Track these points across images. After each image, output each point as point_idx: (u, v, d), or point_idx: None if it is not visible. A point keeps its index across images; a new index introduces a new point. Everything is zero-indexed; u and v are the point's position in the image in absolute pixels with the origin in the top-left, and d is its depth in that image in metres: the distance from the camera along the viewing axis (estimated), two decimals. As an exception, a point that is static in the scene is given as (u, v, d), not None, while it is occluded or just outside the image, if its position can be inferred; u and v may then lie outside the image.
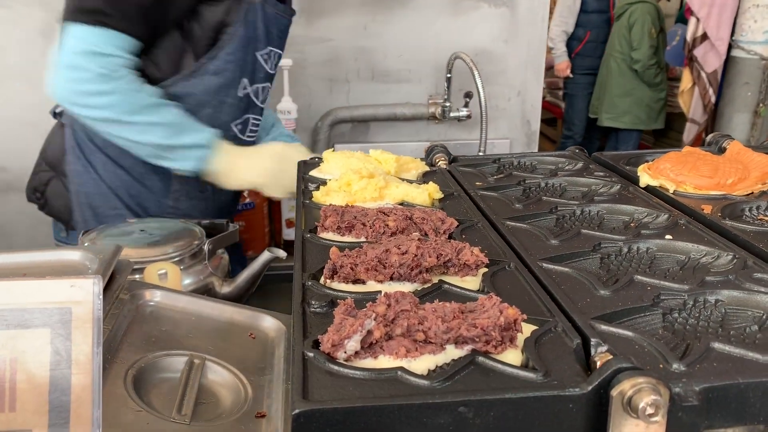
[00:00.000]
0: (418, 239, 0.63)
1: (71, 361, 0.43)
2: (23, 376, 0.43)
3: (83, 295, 0.44)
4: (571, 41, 4.40)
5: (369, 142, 2.16)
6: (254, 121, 1.26)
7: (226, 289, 1.13)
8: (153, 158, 1.14)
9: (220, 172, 1.14)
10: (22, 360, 0.43)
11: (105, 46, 1.01)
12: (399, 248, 0.60)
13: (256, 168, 1.12)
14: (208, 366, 0.81)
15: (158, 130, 1.09)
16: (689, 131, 3.53)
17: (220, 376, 0.80)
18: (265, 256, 1.10)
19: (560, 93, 5.06)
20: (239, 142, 1.21)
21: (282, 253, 1.10)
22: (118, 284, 0.87)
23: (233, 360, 0.83)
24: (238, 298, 1.12)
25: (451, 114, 2.07)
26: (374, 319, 0.48)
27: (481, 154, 1.98)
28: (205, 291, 1.08)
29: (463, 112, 2.07)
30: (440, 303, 0.51)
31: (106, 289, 0.84)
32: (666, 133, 4.72)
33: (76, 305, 0.44)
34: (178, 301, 0.90)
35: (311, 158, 1.01)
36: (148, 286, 0.90)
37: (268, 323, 0.91)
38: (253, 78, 1.20)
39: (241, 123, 1.24)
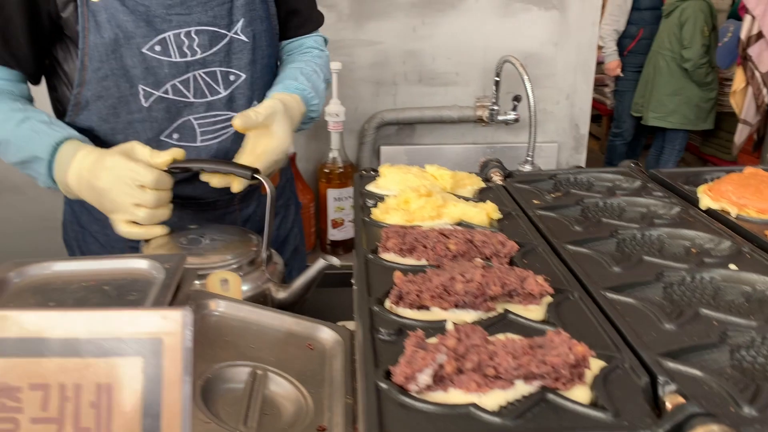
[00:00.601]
0: (483, 266, 0.64)
1: (162, 389, 0.46)
2: (118, 401, 0.46)
3: (173, 326, 0.46)
4: (623, 39, 4.32)
5: (414, 144, 2.17)
6: (204, 120, 1.12)
7: (281, 295, 1.15)
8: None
9: (70, 184, 1.00)
10: (117, 386, 0.46)
11: None
12: (464, 276, 0.61)
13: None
14: (270, 377, 0.83)
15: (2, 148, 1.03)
16: (741, 132, 3.45)
17: (281, 387, 0.83)
18: (320, 264, 1.12)
19: (606, 90, 4.98)
20: (206, 149, 1.13)
21: (336, 261, 1.12)
22: (184, 294, 0.91)
23: (293, 371, 0.85)
24: (292, 304, 1.14)
25: (499, 117, 2.06)
26: (445, 353, 0.50)
27: (529, 157, 1.97)
28: (262, 297, 1.11)
29: (511, 116, 2.06)
30: (510, 338, 0.52)
31: (174, 299, 0.87)
32: (715, 133, 4.61)
33: (167, 336, 0.46)
34: (239, 311, 0.93)
35: (367, 171, 1.03)
36: (211, 296, 0.94)
37: (326, 334, 0.94)
38: (155, 78, 1.04)
39: (175, 131, 1.10)
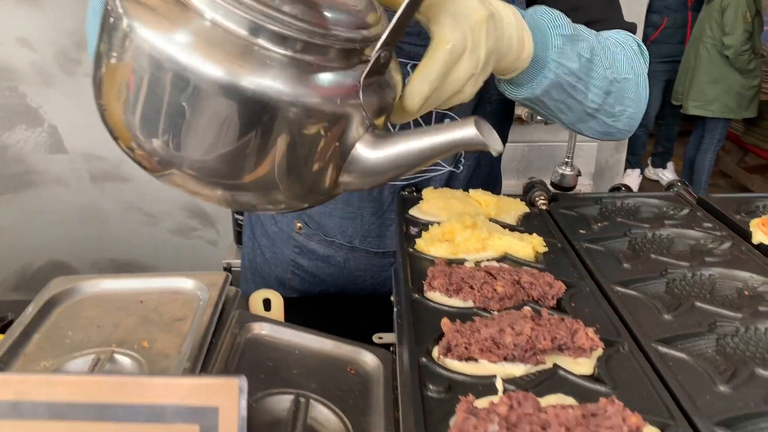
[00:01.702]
0: (532, 317, 0.63)
1: (218, 456, 0.47)
2: (176, 466, 0.47)
3: (229, 395, 0.47)
4: (647, 28, 4.20)
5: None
6: None
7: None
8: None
9: None
10: (175, 452, 0.47)
11: None
12: (513, 329, 0.61)
13: None
14: (312, 405, 0.84)
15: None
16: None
17: (324, 416, 0.84)
18: None
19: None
20: None
21: None
22: (229, 316, 0.92)
23: (336, 398, 0.86)
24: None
25: (538, 116, 2.03)
26: (497, 423, 0.49)
27: (567, 159, 1.94)
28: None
29: (550, 115, 2.03)
30: (562, 406, 0.52)
31: (219, 322, 0.89)
32: (757, 122, 4.49)
33: (223, 404, 0.47)
34: (282, 334, 0.94)
35: (410, 192, 1.02)
36: (255, 318, 0.95)
37: (367, 358, 0.94)
38: None
39: None
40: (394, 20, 0.56)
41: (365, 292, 1.21)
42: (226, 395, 0.47)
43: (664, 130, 4.85)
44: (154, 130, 0.54)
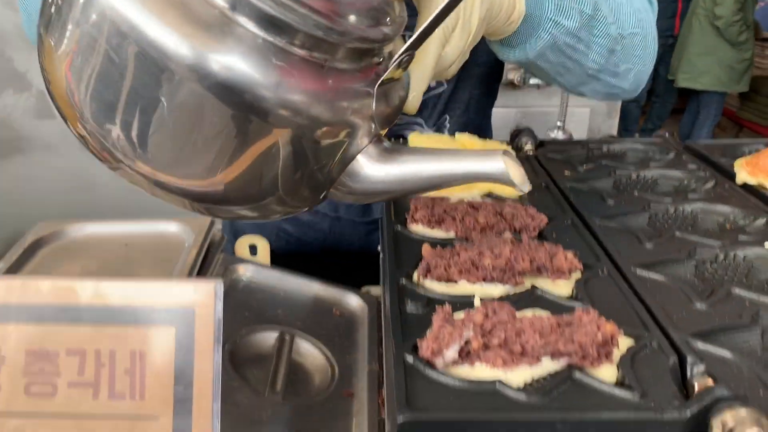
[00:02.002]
0: (512, 241, 0.63)
1: (194, 358, 0.47)
2: (151, 368, 0.47)
3: (205, 297, 0.47)
4: None
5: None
6: None
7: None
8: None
9: None
10: (150, 354, 0.47)
11: None
12: (492, 251, 0.61)
13: None
14: (297, 342, 0.85)
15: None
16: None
17: (309, 352, 0.84)
18: None
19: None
20: None
21: None
22: (214, 259, 0.92)
23: (321, 336, 0.86)
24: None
25: (531, 80, 2.02)
26: (472, 329, 0.50)
27: (560, 123, 1.94)
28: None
29: (543, 80, 2.02)
30: (537, 316, 0.52)
31: (204, 264, 0.89)
32: (753, 97, 4.48)
33: (199, 307, 0.47)
34: (268, 276, 0.94)
35: (396, 139, 1.02)
36: (240, 261, 0.95)
37: (353, 301, 0.95)
38: None
39: None
40: (426, 22, 0.47)
41: (353, 252, 1.19)
42: (203, 298, 0.47)
43: (657, 108, 4.84)
44: (108, 114, 0.45)
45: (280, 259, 1.01)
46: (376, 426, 0.73)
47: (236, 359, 0.79)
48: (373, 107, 0.48)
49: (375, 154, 0.51)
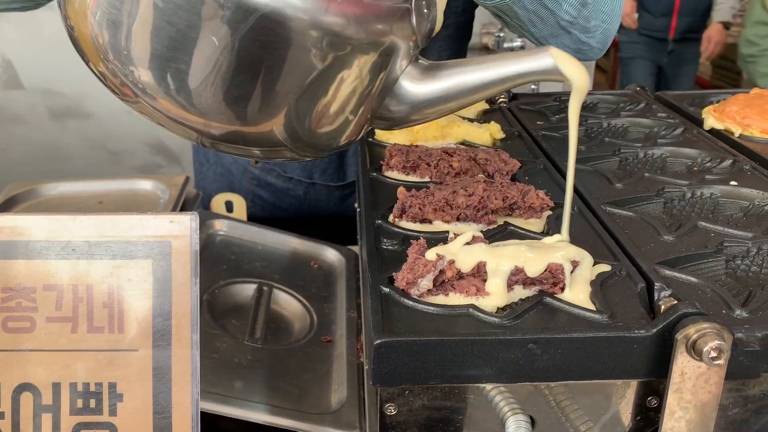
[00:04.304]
0: (484, 181, 0.64)
1: (172, 290, 0.48)
2: (129, 302, 0.47)
3: (181, 229, 0.47)
4: None
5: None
6: None
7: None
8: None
9: None
10: (128, 287, 0.48)
11: None
12: (466, 190, 0.62)
13: None
14: (275, 293, 0.85)
15: None
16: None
17: (287, 302, 0.85)
18: None
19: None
20: None
21: None
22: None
23: (299, 287, 0.87)
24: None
25: (505, 44, 2.02)
26: (446, 260, 0.51)
27: (534, 87, 1.94)
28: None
29: (517, 43, 2.02)
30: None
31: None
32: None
33: (175, 239, 0.47)
34: (244, 231, 0.95)
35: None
36: (216, 216, 0.95)
37: (330, 254, 0.96)
38: None
39: None
40: None
41: (330, 218, 1.19)
42: (179, 230, 0.47)
43: None
44: (140, 55, 0.44)
45: (257, 220, 1.01)
46: (354, 370, 0.74)
47: (215, 309, 0.79)
48: (414, 22, 0.47)
49: (416, 73, 0.49)
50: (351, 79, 0.46)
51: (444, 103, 0.51)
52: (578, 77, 0.51)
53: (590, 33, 0.84)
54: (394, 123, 0.53)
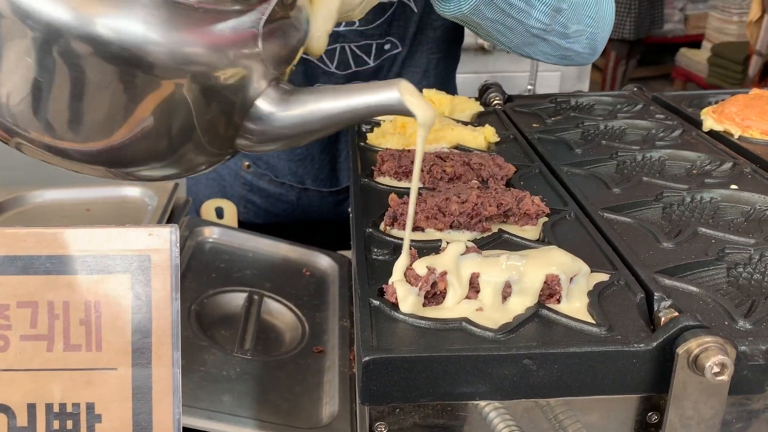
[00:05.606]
0: (478, 187, 0.63)
1: (151, 306, 0.46)
2: (107, 318, 0.46)
3: (161, 243, 0.45)
4: None
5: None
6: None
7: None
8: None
9: None
10: (106, 303, 0.46)
11: None
12: (459, 197, 0.60)
13: None
14: (266, 302, 0.84)
15: None
16: (755, 64, 3.38)
17: (278, 311, 0.83)
18: None
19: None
20: None
21: None
22: (177, 222, 0.90)
23: (290, 296, 0.85)
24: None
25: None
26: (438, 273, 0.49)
27: (530, 87, 1.93)
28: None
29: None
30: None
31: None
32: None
33: (155, 253, 0.45)
34: (234, 238, 0.93)
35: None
36: (206, 223, 0.93)
37: (323, 261, 0.94)
38: None
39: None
40: None
41: (323, 223, 1.17)
42: (158, 243, 0.45)
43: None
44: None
45: (248, 226, 0.99)
46: (347, 381, 0.72)
47: (203, 320, 0.77)
48: (260, 47, 0.47)
49: (275, 96, 0.49)
50: (204, 99, 0.46)
51: (300, 128, 0.50)
52: (422, 112, 0.49)
53: (571, 39, 0.81)
54: (255, 145, 0.52)
